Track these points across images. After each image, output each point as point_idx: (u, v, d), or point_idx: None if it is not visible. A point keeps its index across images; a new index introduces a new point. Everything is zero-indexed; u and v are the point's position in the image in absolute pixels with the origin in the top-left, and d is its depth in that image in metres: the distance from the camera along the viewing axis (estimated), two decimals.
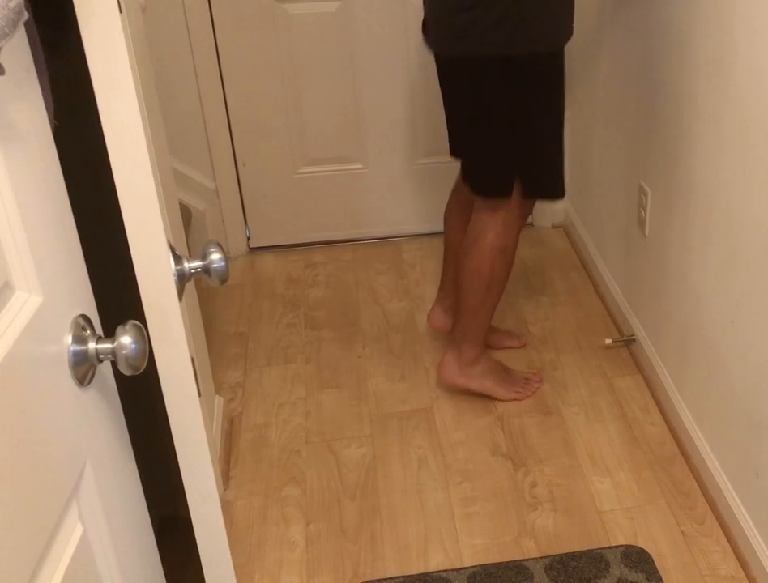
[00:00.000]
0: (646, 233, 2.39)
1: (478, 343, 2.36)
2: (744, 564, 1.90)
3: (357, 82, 3.06)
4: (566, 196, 3.18)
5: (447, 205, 2.51)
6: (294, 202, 3.23)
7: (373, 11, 2.95)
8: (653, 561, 1.92)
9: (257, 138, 3.11)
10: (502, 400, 2.42)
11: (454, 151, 2.29)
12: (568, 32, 2.08)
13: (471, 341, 2.34)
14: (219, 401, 2.35)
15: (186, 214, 3.01)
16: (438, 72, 2.16)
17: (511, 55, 1.99)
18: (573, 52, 2.85)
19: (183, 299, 1.10)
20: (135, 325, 0.96)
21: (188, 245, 2.28)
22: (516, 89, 2.05)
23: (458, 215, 2.43)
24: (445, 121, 2.25)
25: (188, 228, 2.93)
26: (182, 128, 2.96)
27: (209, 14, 2.88)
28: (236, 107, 3.05)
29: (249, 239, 3.29)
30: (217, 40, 2.93)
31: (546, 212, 3.29)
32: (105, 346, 0.96)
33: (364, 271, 3.14)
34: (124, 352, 0.95)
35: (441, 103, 2.21)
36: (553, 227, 3.34)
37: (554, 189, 2.27)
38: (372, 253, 3.25)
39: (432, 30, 2.11)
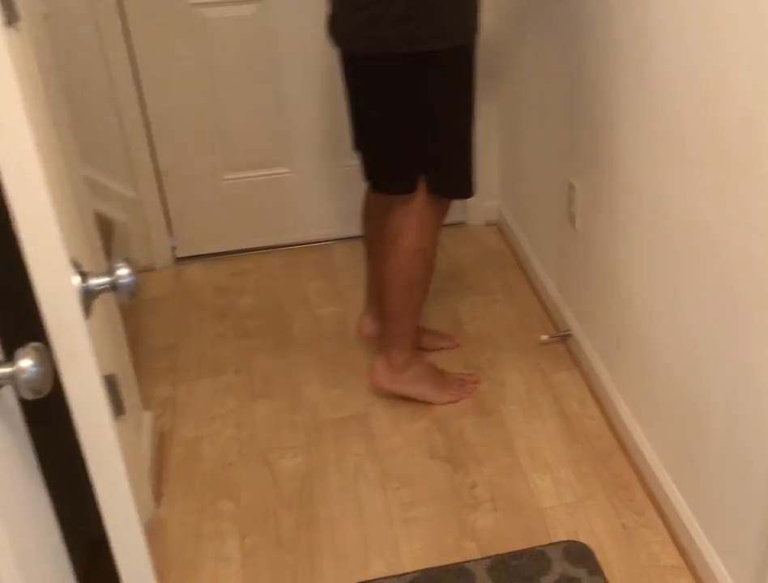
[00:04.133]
0: (577, 228, 2.39)
1: (406, 347, 2.32)
2: (683, 553, 1.90)
3: (279, 85, 3.01)
4: (499, 194, 3.19)
5: (362, 212, 2.46)
6: (220, 210, 3.17)
7: (292, 13, 2.90)
8: (594, 556, 1.91)
9: (179, 145, 3.04)
10: (438, 403, 2.39)
11: (357, 146, 2.26)
12: (473, 28, 2.03)
13: (399, 346, 2.31)
14: (147, 416, 2.28)
15: (109, 226, 2.93)
16: (342, 68, 2.12)
17: (415, 52, 1.95)
18: (497, 49, 2.85)
19: (100, 314, 1.05)
20: (36, 348, 0.91)
21: (110, 259, 2.22)
22: (421, 87, 2.01)
23: (373, 221, 2.39)
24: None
25: (111, 241, 2.85)
26: (100, 137, 2.88)
27: (121, 20, 2.79)
28: (156, 114, 2.97)
29: (174, 249, 3.22)
30: (133, 47, 2.85)
31: (479, 210, 3.28)
32: (3, 370, 0.90)
33: (295, 277, 3.09)
34: (24, 376, 0.89)
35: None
36: (487, 225, 3.32)
37: (462, 188, 2.21)
38: (301, 259, 3.20)
39: (336, 26, 2.07)
